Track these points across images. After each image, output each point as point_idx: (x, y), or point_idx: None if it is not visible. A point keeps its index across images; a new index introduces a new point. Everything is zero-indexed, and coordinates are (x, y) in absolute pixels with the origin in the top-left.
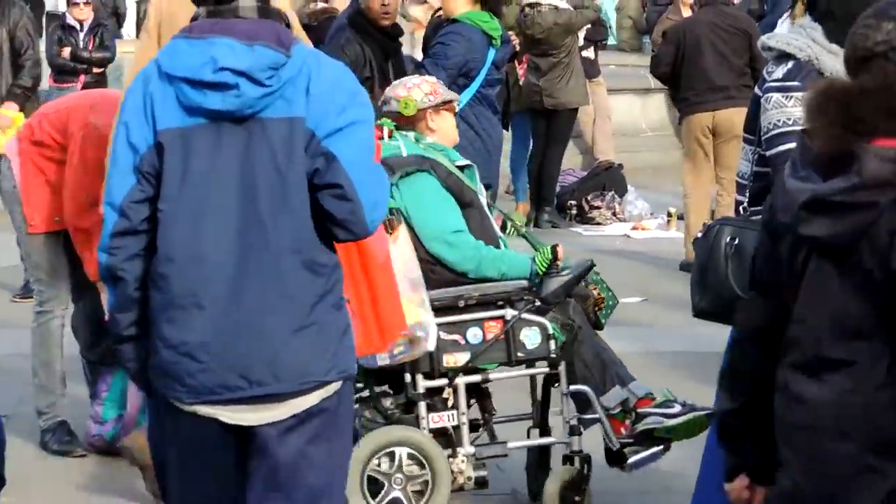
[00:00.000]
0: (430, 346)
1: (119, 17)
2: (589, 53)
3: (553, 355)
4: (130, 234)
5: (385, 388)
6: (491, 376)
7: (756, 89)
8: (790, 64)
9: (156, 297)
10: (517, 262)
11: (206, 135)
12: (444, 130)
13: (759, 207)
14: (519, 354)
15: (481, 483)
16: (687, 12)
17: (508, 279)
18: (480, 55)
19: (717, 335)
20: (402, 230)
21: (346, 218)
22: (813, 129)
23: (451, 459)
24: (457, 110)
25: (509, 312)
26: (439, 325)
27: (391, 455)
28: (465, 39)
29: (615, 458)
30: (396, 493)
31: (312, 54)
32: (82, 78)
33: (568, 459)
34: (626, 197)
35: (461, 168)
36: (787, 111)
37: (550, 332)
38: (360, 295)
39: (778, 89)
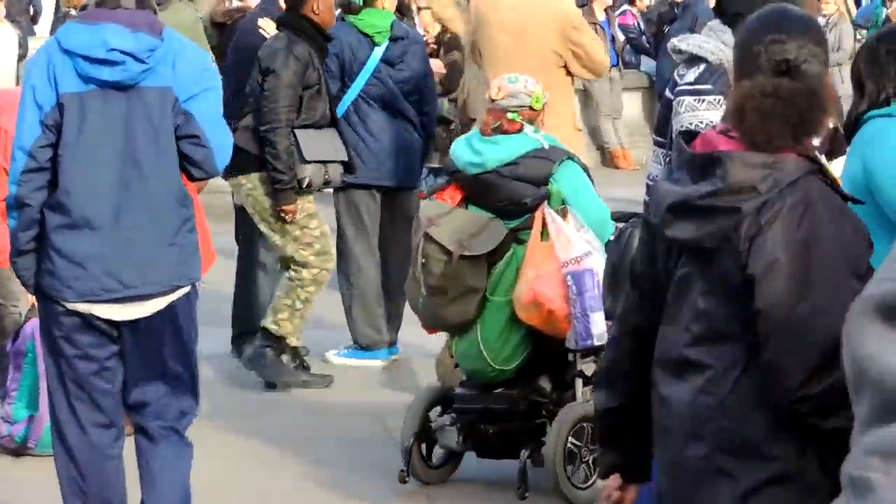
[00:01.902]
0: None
1: (35, 15)
2: None
3: None
4: (36, 171)
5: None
6: None
7: (667, 92)
8: (702, 67)
9: (54, 219)
10: None
11: (97, 98)
12: (547, 127)
13: None
14: None
15: None
16: (601, 15)
17: None
18: (357, 55)
19: None
20: (571, 218)
21: (201, 160)
22: (752, 128)
23: None
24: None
25: None
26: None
27: (581, 430)
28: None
29: None
30: (584, 466)
31: (177, 39)
32: None
33: None
34: None
35: None
36: (699, 114)
37: None
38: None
39: (690, 92)
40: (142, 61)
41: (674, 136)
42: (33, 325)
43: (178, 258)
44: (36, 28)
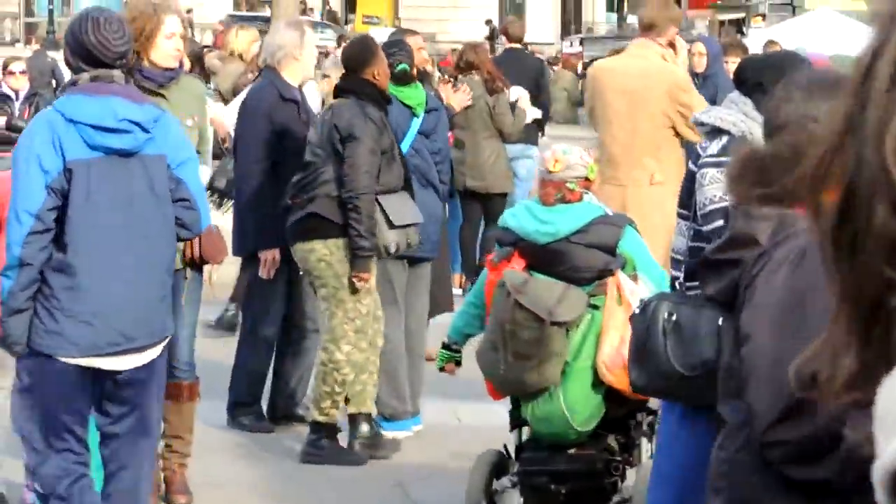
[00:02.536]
0: None
1: (58, 87)
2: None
3: None
4: (42, 233)
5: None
6: None
7: (690, 164)
8: (724, 139)
9: (59, 279)
10: None
11: (104, 164)
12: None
13: (694, 283)
14: None
15: None
16: None
17: None
18: (402, 126)
19: None
20: (640, 278)
21: (191, 222)
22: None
23: None
24: None
25: None
26: None
27: None
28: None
29: None
30: None
31: (165, 112)
32: None
33: None
34: None
35: None
36: (723, 186)
37: None
38: None
39: (714, 164)
40: (147, 130)
41: (697, 208)
42: None
43: (167, 310)
44: None
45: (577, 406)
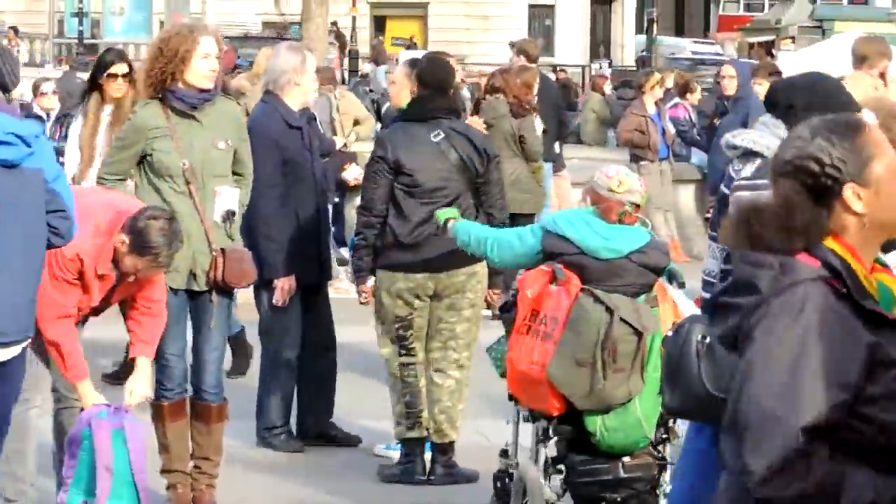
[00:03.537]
0: None
1: None
2: (554, 147)
3: None
4: None
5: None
6: None
7: (722, 187)
8: (758, 162)
9: None
10: None
11: None
12: None
13: None
14: None
15: None
16: (652, 108)
17: None
18: None
19: None
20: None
21: (65, 231)
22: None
23: None
24: None
25: None
26: None
27: None
28: None
29: None
30: None
31: (42, 130)
32: None
33: None
34: None
35: None
36: None
37: None
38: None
39: (747, 188)
40: (29, 145)
41: None
42: (90, 413)
43: (33, 311)
44: None
45: (650, 415)
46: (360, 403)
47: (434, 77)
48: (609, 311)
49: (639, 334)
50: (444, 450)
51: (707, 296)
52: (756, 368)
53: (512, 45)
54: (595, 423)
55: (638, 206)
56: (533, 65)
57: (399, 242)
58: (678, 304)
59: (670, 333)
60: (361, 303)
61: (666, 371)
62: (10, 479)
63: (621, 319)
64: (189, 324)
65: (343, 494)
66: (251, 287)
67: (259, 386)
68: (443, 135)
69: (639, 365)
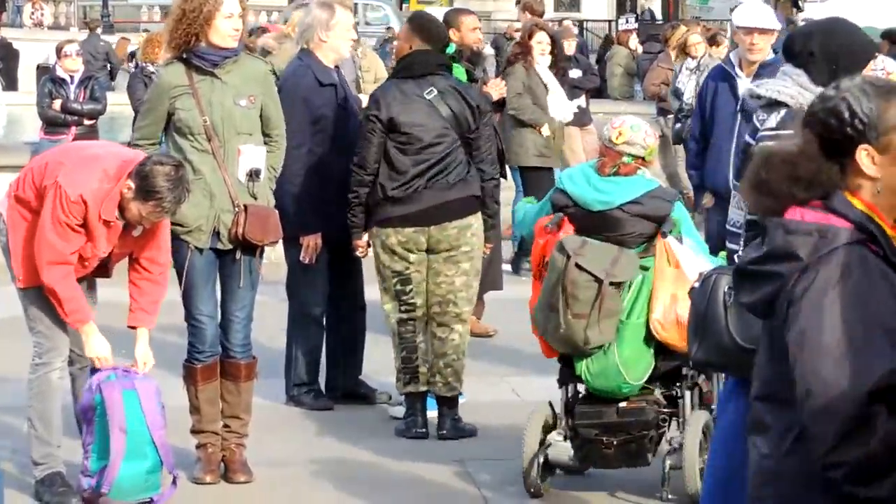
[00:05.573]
0: None
1: (112, 71)
2: (581, 102)
3: None
4: None
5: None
6: None
7: (747, 137)
8: (783, 112)
9: None
10: None
11: None
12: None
13: None
14: None
15: None
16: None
17: None
18: None
19: None
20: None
21: None
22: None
23: None
24: None
25: None
26: None
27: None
28: None
29: None
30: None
31: None
32: (73, 130)
33: None
34: None
35: None
36: None
37: None
38: None
39: (772, 138)
40: None
41: None
42: (99, 379)
43: None
44: (113, 83)
45: (630, 362)
46: (389, 362)
47: (424, 33)
48: (568, 256)
49: (599, 281)
50: (452, 404)
51: (734, 247)
52: (811, 337)
53: (518, 1)
54: (580, 367)
55: (642, 158)
56: (540, 20)
57: (389, 197)
58: (681, 262)
59: (697, 285)
60: (357, 256)
61: (692, 323)
62: (37, 442)
63: (577, 265)
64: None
65: (372, 451)
66: (280, 246)
67: (287, 344)
68: (435, 91)
69: (607, 312)
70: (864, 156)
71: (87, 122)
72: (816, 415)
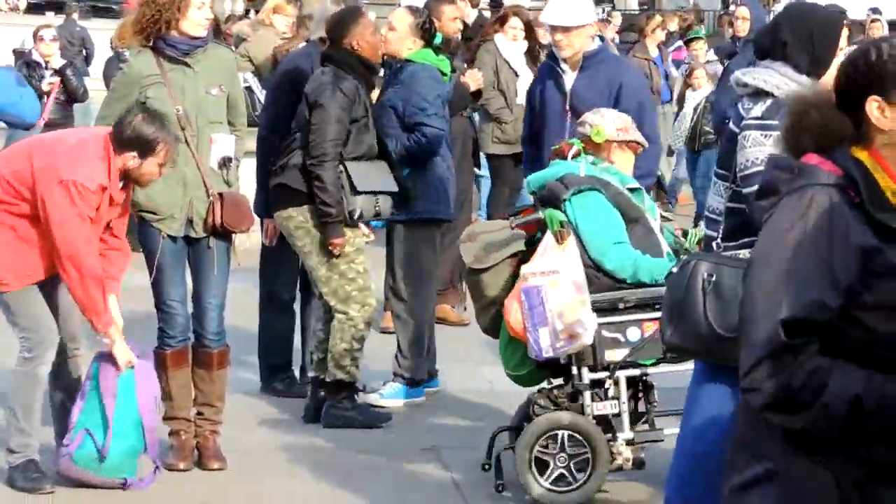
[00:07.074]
0: (588, 340)
1: (88, 57)
2: None
3: None
4: None
5: (559, 380)
6: (650, 371)
7: (731, 125)
8: (768, 102)
9: None
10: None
11: None
12: (621, 164)
13: (733, 243)
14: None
15: (639, 464)
16: (654, 51)
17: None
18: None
19: None
20: (571, 240)
21: None
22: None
23: (611, 443)
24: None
25: None
26: (602, 323)
27: (554, 437)
28: (432, 79)
29: None
30: (560, 471)
31: None
32: (45, 115)
33: None
34: None
35: (631, 190)
36: (765, 149)
37: None
38: None
39: (757, 127)
40: None
41: (737, 169)
42: (101, 353)
43: None
44: (90, 69)
45: (504, 352)
46: (363, 349)
47: (328, 26)
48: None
49: (470, 269)
50: (333, 389)
51: (712, 234)
52: (755, 266)
53: None
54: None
55: (590, 139)
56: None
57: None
58: (542, 247)
59: (675, 270)
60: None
61: (667, 308)
62: (17, 433)
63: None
64: (188, 271)
65: (346, 439)
66: (257, 232)
67: (259, 330)
68: None
69: (483, 298)
70: (874, 107)
71: (63, 107)
72: (742, 339)
